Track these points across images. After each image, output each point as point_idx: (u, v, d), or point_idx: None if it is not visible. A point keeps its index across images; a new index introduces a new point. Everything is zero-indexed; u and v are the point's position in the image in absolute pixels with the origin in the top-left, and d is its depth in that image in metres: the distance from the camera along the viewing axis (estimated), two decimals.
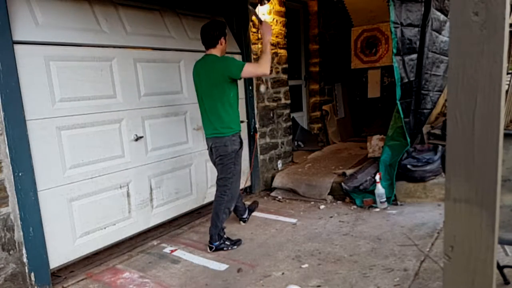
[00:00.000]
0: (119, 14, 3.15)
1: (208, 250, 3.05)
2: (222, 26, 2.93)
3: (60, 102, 2.69)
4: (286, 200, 4.24)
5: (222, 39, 2.92)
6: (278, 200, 4.25)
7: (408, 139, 3.87)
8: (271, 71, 4.70)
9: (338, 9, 6.10)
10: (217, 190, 3.11)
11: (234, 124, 2.98)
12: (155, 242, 3.27)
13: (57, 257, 2.68)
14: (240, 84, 4.32)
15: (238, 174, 3.11)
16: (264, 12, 4.49)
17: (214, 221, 3.05)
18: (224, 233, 3.10)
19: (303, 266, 2.66)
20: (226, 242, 3.07)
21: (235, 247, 3.07)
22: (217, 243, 3.03)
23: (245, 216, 3.60)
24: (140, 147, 3.25)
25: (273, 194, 4.42)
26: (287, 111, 5.06)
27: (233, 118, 2.97)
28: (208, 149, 3.14)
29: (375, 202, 3.68)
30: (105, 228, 3.00)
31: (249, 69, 2.81)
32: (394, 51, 3.72)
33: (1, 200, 2.36)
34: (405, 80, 3.81)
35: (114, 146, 3.05)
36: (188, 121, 3.70)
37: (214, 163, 3.12)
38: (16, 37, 2.41)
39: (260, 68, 2.83)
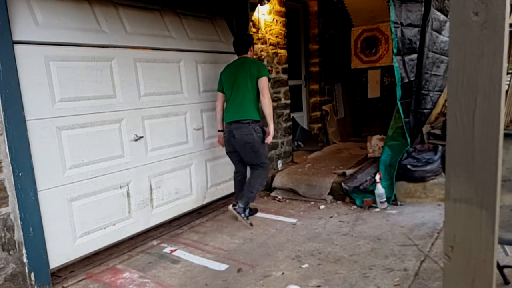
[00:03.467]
0: (119, 14, 3.15)
1: (230, 207, 3.38)
2: (251, 38, 3.76)
3: (60, 102, 2.69)
4: (286, 200, 4.24)
5: (251, 47, 3.63)
6: (278, 200, 4.25)
7: (408, 139, 3.87)
8: (271, 71, 4.71)
9: (338, 9, 6.10)
10: (254, 169, 3.53)
11: (258, 113, 3.48)
12: (155, 242, 3.27)
13: (57, 257, 2.68)
14: None
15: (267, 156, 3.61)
16: (264, 12, 4.49)
17: (249, 193, 3.42)
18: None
19: (303, 266, 2.66)
20: (249, 212, 3.55)
21: (249, 218, 3.50)
22: (243, 206, 3.39)
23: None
24: (140, 147, 3.25)
25: (273, 194, 4.42)
26: (287, 111, 5.06)
27: (257, 108, 3.48)
28: (227, 134, 3.48)
29: (375, 202, 3.68)
30: (105, 228, 3.00)
31: (266, 83, 3.42)
32: (395, 51, 3.72)
33: (1, 200, 2.36)
34: (405, 80, 3.81)
35: (114, 146, 3.05)
36: (188, 121, 3.70)
37: (232, 151, 3.53)
38: (16, 37, 2.41)
39: (269, 100, 3.41)
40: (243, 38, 3.66)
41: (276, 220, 3.61)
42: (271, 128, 3.45)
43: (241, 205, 3.37)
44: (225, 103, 3.60)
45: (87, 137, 2.86)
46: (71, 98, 2.75)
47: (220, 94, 3.63)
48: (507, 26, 0.88)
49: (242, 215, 3.37)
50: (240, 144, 3.40)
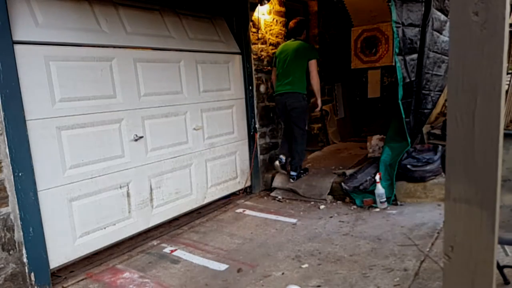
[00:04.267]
0: (119, 14, 3.15)
1: (291, 180, 4.26)
2: (305, 22, 4.41)
3: (60, 102, 2.69)
4: (286, 200, 4.23)
5: (304, 31, 4.31)
6: (278, 200, 4.25)
7: (409, 139, 3.86)
8: (271, 71, 4.71)
9: (338, 9, 6.09)
10: (296, 136, 4.26)
11: (305, 87, 4.19)
12: (155, 242, 3.27)
13: (57, 257, 2.69)
14: (240, 83, 4.34)
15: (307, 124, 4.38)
16: (264, 12, 4.49)
17: (296, 155, 4.26)
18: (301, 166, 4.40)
19: (303, 266, 2.66)
20: (301, 171, 4.34)
21: (306, 173, 4.38)
22: (296, 173, 4.25)
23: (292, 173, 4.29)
24: (140, 147, 3.25)
25: (273, 194, 4.42)
26: None
27: (304, 84, 4.19)
28: (280, 104, 4.25)
29: (375, 202, 3.68)
30: (105, 228, 3.00)
31: (315, 64, 4.14)
32: (396, 50, 3.71)
33: (1, 200, 2.36)
34: (406, 80, 3.81)
35: (114, 146, 3.05)
36: (188, 121, 3.70)
37: (286, 117, 4.27)
38: (16, 37, 2.41)
39: (317, 78, 4.16)
40: (298, 23, 4.28)
41: (276, 220, 3.61)
42: (319, 101, 4.28)
43: (295, 173, 4.25)
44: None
45: (87, 137, 2.86)
46: (71, 98, 2.75)
47: (274, 68, 4.41)
48: (507, 26, 0.88)
49: (302, 176, 4.31)
50: (291, 108, 4.16)
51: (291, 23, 4.30)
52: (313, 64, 4.11)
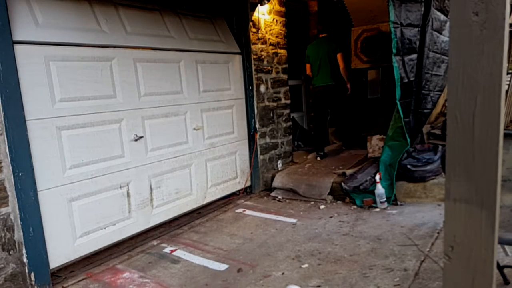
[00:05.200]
0: (119, 14, 3.15)
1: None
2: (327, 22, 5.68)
3: (60, 102, 2.69)
4: (286, 200, 4.23)
5: (329, 29, 5.35)
6: (278, 200, 4.25)
7: (408, 139, 3.86)
8: (271, 71, 4.71)
9: (338, 9, 6.09)
10: (339, 114, 5.67)
11: (336, 77, 5.11)
12: (155, 242, 3.27)
13: (57, 257, 2.69)
14: (240, 83, 4.34)
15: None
16: (264, 12, 4.49)
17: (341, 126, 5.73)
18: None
19: (303, 266, 2.66)
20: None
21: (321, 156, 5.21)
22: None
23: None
24: (140, 147, 3.25)
25: (273, 194, 4.42)
26: (287, 111, 5.06)
27: (335, 74, 5.09)
28: (320, 95, 5.15)
29: (375, 202, 3.68)
30: (105, 228, 3.00)
31: (341, 56, 5.05)
32: (394, 51, 3.72)
33: (1, 200, 2.36)
34: (405, 80, 3.81)
35: (114, 146, 3.06)
36: (188, 121, 3.70)
37: (324, 105, 5.20)
38: (16, 37, 2.41)
39: (345, 67, 5.10)
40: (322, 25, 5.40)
41: (276, 220, 3.61)
42: (348, 85, 5.17)
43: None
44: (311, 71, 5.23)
45: (87, 137, 2.86)
46: (71, 98, 2.75)
47: (308, 65, 5.24)
48: (507, 26, 0.88)
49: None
50: (327, 97, 5.11)
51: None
52: (340, 56, 5.00)
